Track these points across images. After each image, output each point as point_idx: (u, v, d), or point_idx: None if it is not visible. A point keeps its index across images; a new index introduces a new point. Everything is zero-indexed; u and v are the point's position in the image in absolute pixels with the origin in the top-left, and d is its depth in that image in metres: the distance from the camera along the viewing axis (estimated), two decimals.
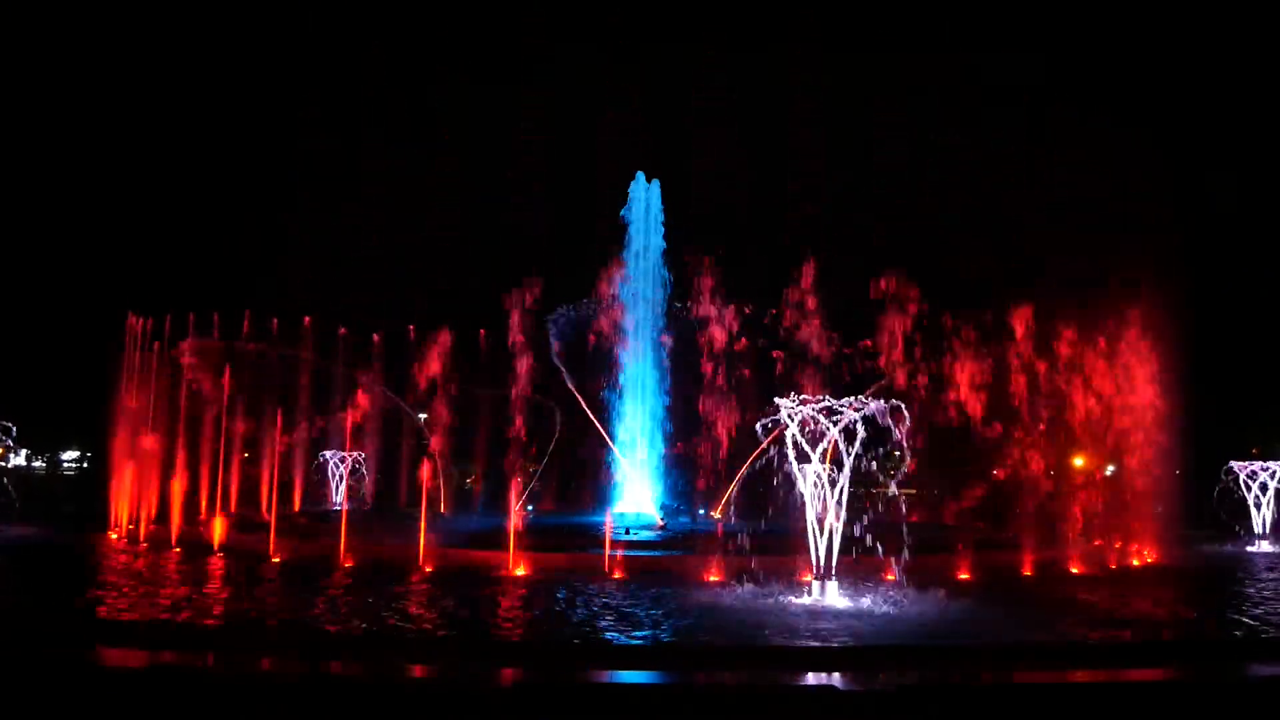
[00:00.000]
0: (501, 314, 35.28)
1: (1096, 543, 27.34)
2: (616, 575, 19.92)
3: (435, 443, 33.44)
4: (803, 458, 17.23)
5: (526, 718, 10.14)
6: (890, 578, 18.14)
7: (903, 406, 17.14)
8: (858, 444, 17.06)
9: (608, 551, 20.99)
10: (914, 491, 39.45)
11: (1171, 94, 60.91)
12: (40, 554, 24.35)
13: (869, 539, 17.61)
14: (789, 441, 17.35)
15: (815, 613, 15.70)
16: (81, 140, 64.60)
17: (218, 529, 24.98)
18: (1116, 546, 26.42)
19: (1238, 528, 31.93)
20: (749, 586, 17.38)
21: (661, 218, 38.91)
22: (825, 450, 17.19)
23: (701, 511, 36.58)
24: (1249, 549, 30.18)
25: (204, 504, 31.18)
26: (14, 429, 32.60)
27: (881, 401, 17.23)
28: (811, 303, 30.03)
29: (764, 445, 19.18)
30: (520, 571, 20.25)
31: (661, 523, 31.29)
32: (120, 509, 29.40)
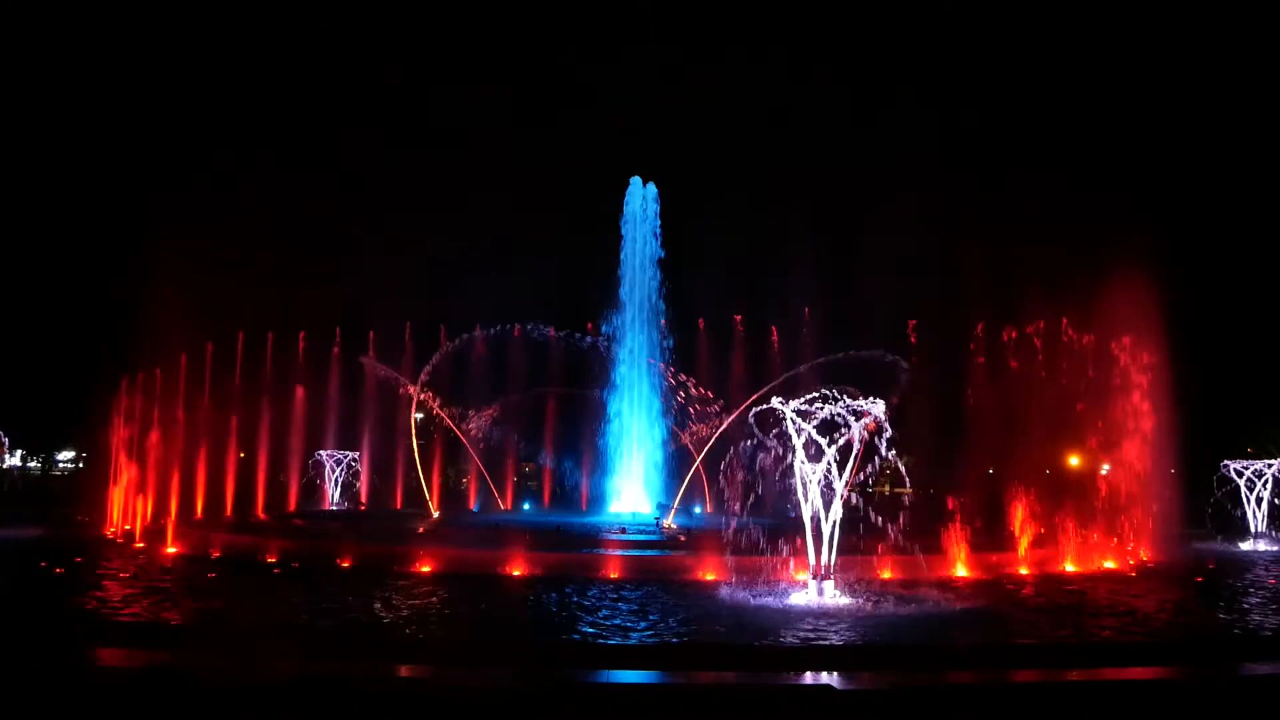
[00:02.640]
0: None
1: (1093, 541, 27.40)
2: (613, 575, 19.91)
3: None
4: (814, 457, 17.19)
5: (523, 718, 10.13)
6: (887, 576, 18.17)
7: (882, 414, 17.05)
8: (853, 441, 17.04)
9: (603, 551, 21.05)
10: (910, 491, 39.44)
11: (1173, 92, 61.08)
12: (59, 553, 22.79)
13: (866, 538, 17.65)
14: (791, 440, 17.32)
15: (812, 612, 15.70)
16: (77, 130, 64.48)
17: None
18: (1112, 546, 26.46)
19: (1252, 526, 31.89)
20: (745, 585, 17.37)
21: (658, 224, 38.90)
22: (817, 450, 17.19)
23: (697, 510, 36.64)
24: (1242, 546, 30.23)
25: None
26: (4, 441, 32.75)
27: (876, 402, 17.18)
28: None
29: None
30: (517, 571, 20.23)
31: (669, 523, 31.32)
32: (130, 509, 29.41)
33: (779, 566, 18.04)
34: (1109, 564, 24.42)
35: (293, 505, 38.78)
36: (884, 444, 16.90)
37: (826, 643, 13.44)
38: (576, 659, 12.78)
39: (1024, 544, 23.84)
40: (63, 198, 60.34)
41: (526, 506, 42.51)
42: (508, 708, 10.31)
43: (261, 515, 33.88)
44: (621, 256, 38.19)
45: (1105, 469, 33.93)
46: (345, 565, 21.19)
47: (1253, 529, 31.73)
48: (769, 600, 16.60)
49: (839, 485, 16.92)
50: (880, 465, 17.42)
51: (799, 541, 17.35)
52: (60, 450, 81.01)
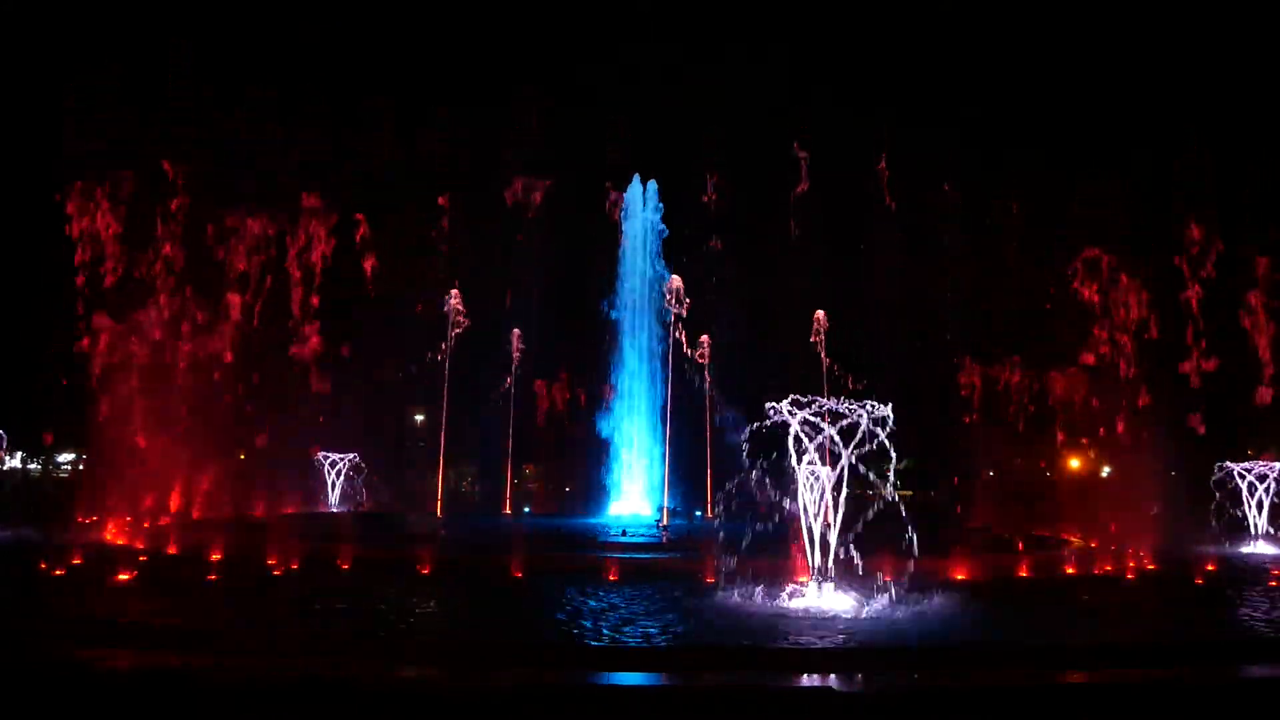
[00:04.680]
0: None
1: (1093, 544, 27.40)
2: (612, 577, 19.88)
3: None
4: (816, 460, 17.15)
5: (523, 718, 10.12)
6: (888, 579, 18.12)
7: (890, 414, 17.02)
8: (852, 445, 16.99)
9: (604, 554, 21.05)
10: (910, 492, 39.52)
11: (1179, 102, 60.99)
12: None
13: (867, 540, 17.59)
14: (790, 442, 17.29)
15: (812, 614, 15.67)
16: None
17: None
18: (1112, 548, 26.44)
19: (1253, 528, 31.77)
20: (746, 588, 17.33)
21: (659, 223, 38.86)
22: (821, 449, 17.17)
23: (698, 513, 36.64)
24: (1243, 549, 30.16)
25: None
26: (4, 436, 32.93)
27: (882, 406, 17.12)
28: None
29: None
30: (518, 573, 20.21)
31: (663, 524, 31.32)
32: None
33: (780, 569, 17.99)
34: (1108, 567, 24.39)
35: (292, 507, 38.72)
36: (889, 444, 16.85)
37: (826, 645, 13.41)
38: (576, 660, 12.76)
39: (1022, 547, 23.84)
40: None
41: (526, 510, 42.50)
42: (508, 708, 10.30)
43: (259, 515, 33.85)
44: (620, 255, 38.14)
45: (1106, 471, 33.93)
46: (344, 567, 21.18)
47: (1254, 531, 31.67)
48: (769, 602, 16.56)
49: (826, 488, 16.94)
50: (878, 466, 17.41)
51: (800, 544, 17.31)
52: (60, 452, 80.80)
